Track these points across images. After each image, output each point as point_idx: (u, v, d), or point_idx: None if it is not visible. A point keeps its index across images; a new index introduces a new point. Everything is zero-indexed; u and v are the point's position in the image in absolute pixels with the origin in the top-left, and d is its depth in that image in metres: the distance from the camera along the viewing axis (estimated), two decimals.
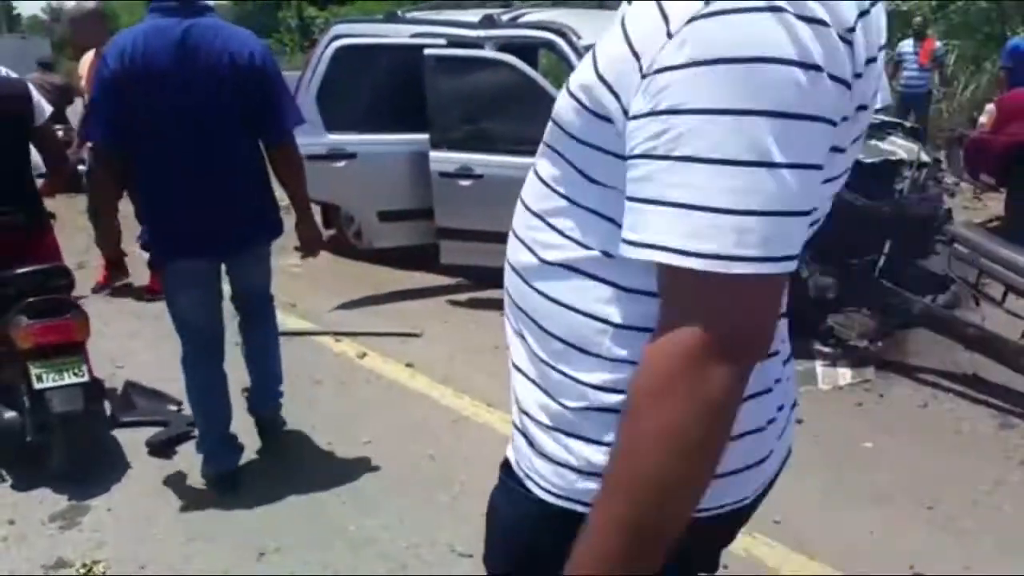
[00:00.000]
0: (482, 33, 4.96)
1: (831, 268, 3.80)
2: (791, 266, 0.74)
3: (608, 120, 0.81)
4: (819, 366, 3.79)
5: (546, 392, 0.95)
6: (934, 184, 4.30)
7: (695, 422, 0.74)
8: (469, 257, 4.93)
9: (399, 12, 5.89)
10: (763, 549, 2.53)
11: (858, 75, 0.76)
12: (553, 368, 0.93)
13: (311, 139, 5.26)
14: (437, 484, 2.98)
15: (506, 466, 1.05)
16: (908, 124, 4.55)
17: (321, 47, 5.69)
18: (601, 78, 0.82)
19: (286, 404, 3.61)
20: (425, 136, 4.83)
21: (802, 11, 0.70)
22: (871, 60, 0.79)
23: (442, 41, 4.97)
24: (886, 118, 4.56)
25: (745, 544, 2.55)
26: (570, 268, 0.90)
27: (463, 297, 5.05)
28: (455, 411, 3.54)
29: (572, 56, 4.59)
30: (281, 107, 2.76)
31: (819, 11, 0.71)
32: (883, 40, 0.82)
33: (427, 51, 4.75)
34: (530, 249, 0.94)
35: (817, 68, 0.71)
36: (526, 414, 0.98)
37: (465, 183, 4.72)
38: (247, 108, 2.66)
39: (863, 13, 0.76)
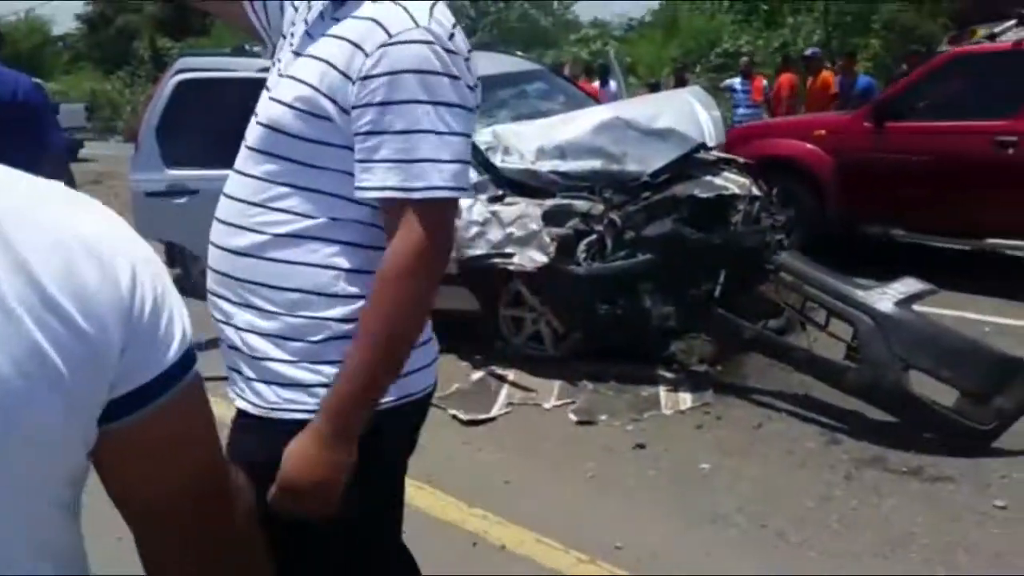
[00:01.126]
0: None
1: (671, 297, 3.96)
2: (466, 194, 1.29)
3: (328, 119, 1.22)
4: (662, 391, 3.93)
5: (292, 338, 1.26)
6: (766, 216, 4.58)
7: (422, 292, 1.21)
8: None
9: (247, 45, 5.75)
10: None
11: (474, 86, 1.28)
12: (292, 315, 1.25)
13: (150, 175, 5.05)
14: None
15: (242, 416, 1.33)
16: (741, 160, 4.83)
17: (164, 80, 5.48)
18: (318, 90, 1.22)
19: None
20: None
21: (444, 45, 1.21)
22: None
23: None
24: (721, 155, 4.83)
25: (588, 571, 2.59)
26: (302, 236, 1.25)
27: None
28: None
29: None
30: (42, 131, 2.97)
31: (451, 45, 1.22)
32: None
33: None
34: (256, 231, 1.27)
35: (457, 77, 1.21)
36: (271, 359, 1.27)
37: None
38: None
39: (470, 51, 1.27)
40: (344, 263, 1.26)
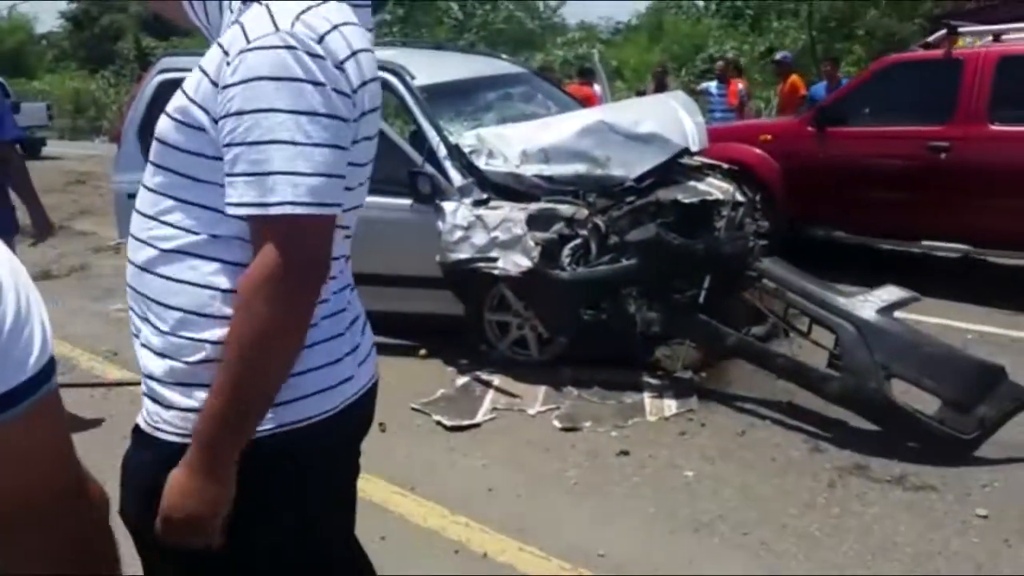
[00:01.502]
0: None
1: (655, 303, 3.95)
2: (336, 210, 1.15)
3: (202, 130, 1.16)
4: (647, 397, 3.92)
5: (172, 357, 1.20)
6: (750, 222, 4.59)
7: (277, 317, 1.11)
8: None
9: None
10: None
11: (355, 91, 1.18)
12: (175, 335, 1.20)
13: (133, 176, 4.96)
14: None
15: (137, 430, 1.28)
16: (725, 166, 4.84)
17: (146, 80, 5.43)
18: (192, 100, 1.17)
19: (104, 463, 3.37)
20: None
21: (309, 49, 1.12)
22: (369, 82, 1.21)
23: None
24: (705, 160, 4.84)
25: None
26: (184, 252, 1.19)
27: None
28: None
29: (407, 96, 4.59)
30: None
31: (318, 49, 1.13)
32: (373, 73, 1.24)
33: None
34: (150, 245, 1.22)
35: (322, 84, 1.12)
36: (155, 379, 1.22)
37: None
38: None
39: (354, 53, 1.17)
40: (223, 282, 1.19)
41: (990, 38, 5.77)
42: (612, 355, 4.19)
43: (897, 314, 3.65)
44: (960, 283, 5.83)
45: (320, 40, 1.13)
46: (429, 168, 4.30)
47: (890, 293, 3.59)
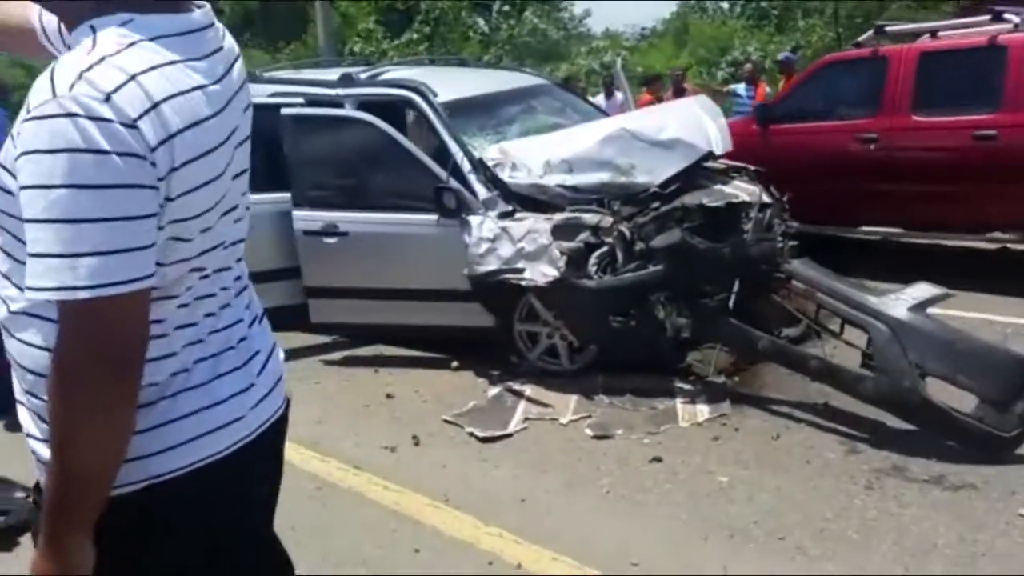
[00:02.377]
0: (341, 92, 4.96)
1: (685, 308, 3.94)
2: (140, 284, 1.04)
3: (13, 195, 1.07)
4: (679, 403, 3.91)
5: (39, 416, 1.17)
6: (779, 223, 4.56)
7: (77, 400, 1.04)
8: (340, 314, 4.86)
9: (256, 72, 5.82)
10: None
11: (154, 148, 1.04)
12: (35, 396, 1.17)
13: None
14: (297, 557, 2.87)
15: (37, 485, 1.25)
16: (752, 168, 4.81)
17: None
18: (3, 166, 1.10)
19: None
20: (286, 195, 4.77)
21: (89, 113, 1.00)
22: (180, 132, 1.07)
23: (300, 100, 4.94)
24: (730, 163, 4.82)
25: None
26: (28, 314, 1.15)
27: (337, 356, 4.96)
28: (319, 477, 3.44)
29: (430, 113, 4.66)
30: None
31: (101, 112, 1.00)
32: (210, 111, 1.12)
33: (284, 111, 4.72)
34: (4, 303, 1.18)
35: (104, 152, 1.00)
36: (28, 435, 1.21)
37: (330, 240, 4.67)
38: None
39: (155, 106, 1.04)
40: None
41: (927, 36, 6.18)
42: (643, 362, 4.19)
43: (933, 310, 3.60)
44: (999, 276, 5.72)
45: (107, 99, 1.01)
46: (454, 183, 4.35)
47: (922, 291, 3.54)
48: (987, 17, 5.96)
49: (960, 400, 3.39)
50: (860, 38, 6.77)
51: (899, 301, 3.47)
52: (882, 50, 6.17)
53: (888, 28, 6.52)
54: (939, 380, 3.40)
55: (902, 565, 2.63)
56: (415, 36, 16.94)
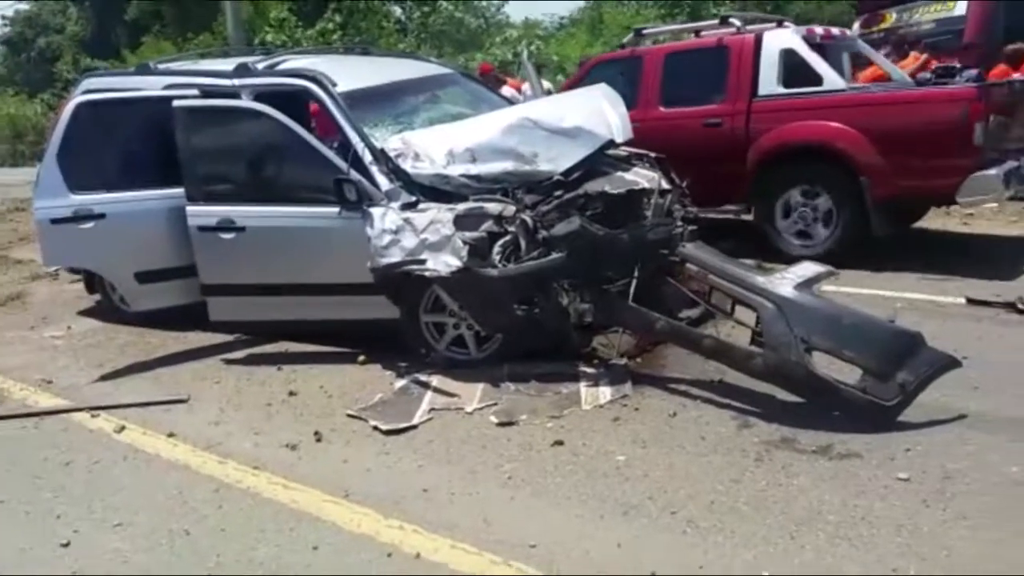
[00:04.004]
0: (237, 82, 4.84)
1: (587, 294, 3.99)
2: None
3: None
4: (583, 387, 3.96)
5: None
6: (679, 208, 4.65)
7: None
8: (240, 312, 4.76)
9: (151, 63, 5.63)
10: None
11: None
12: None
13: (55, 201, 4.92)
14: (191, 562, 2.81)
15: None
16: (652, 155, 4.89)
17: (67, 102, 5.36)
18: None
19: (31, 493, 3.34)
20: (181, 190, 4.63)
21: None
22: None
23: (195, 92, 4.80)
24: (631, 150, 4.89)
25: (500, 572, 2.60)
26: None
27: (239, 354, 4.86)
28: (216, 479, 3.36)
29: (328, 102, 4.58)
30: None
31: None
32: None
33: (176, 103, 4.57)
34: None
35: None
36: None
37: (227, 236, 4.55)
38: None
39: None
40: None
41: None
42: (549, 348, 4.23)
43: (827, 287, 3.73)
44: (892, 252, 5.99)
45: None
46: (355, 174, 4.29)
47: (807, 269, 3.67)
48: (716, 21, 7.09)
49: (846, 373, 3.53)
50: (624, 39, 7.74)
51: (785, 280, 3.59)
52: (639, 50, 7.19)
53: (644, 31, 7.66)
54: (825, 354, 3.53)
55: (788, 533, 2.73)
56: (329, 25, 16.62)
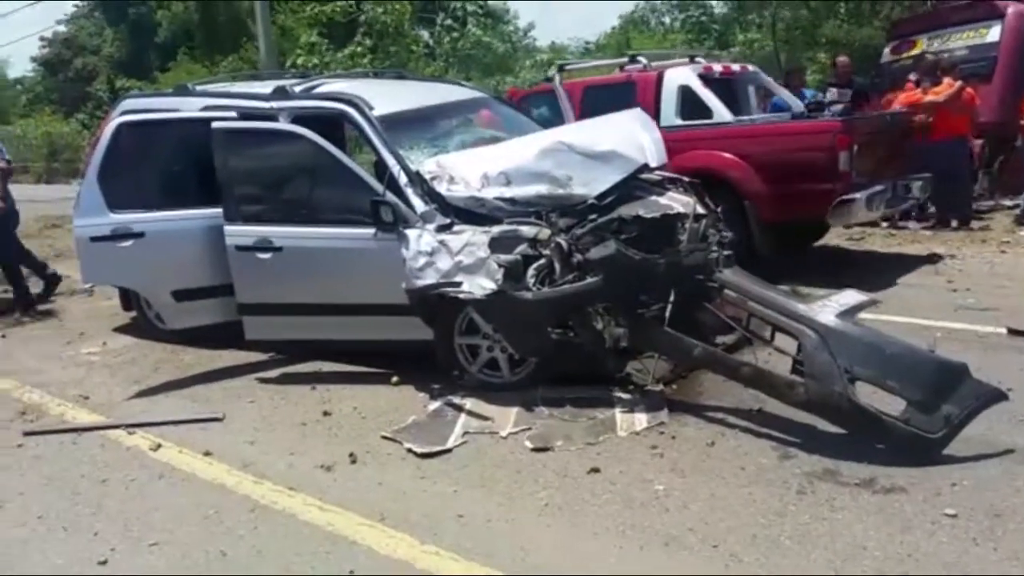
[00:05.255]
0: (275, 104, 4.90)
1: (622, 318, 3.96)
2: None
3: None
4: (618, 413, 3.92)
5: None
6: (714, 233, 4.61)
7: None
8: (276, 331, 4.78)
9: (188, 85, 5.72)
10: None
11: None
12: None
13: (94, 219, 4.99)
14: None
15: None
16: (686, 179, 4.87)
17: (106, 123, 5.46)
18: None
19: (69, 510, 3.33)
20: (219, 210, 4.67)
21: None
22: None
23: (233, 113, 4.86)
24: (665, 174, 4.87)
25: None
26: None
27: (274, 373, 4.88)
28: (252, 499, 3.35)
29: (365, 126, 4.62)
30: None
31: None
32: None
33: (214, 124, 4.63)
34: None
35: None
36: None
37: (264, 256, 4.59)
38: None
39: None
40: None
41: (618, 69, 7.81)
42: (583, 372, 4.20)
43: (862, 315, 3.68)
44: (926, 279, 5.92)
45: None
46: (391, 196, 4.31)
47: (849, 297, 3.62)
48: (626, 60, 7.80)
49: (889, 403, 3.46)
50: (549, 72, 8.22)
51: (827, 308, 3.54)
52: (566, 83, 7.48)
53: (567, 67, 8.20)
54: (868, 384, 3.47)
55: (832, 569, 2.66)
56: (358, 49, 16.82)
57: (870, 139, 6.50)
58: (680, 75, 7.13)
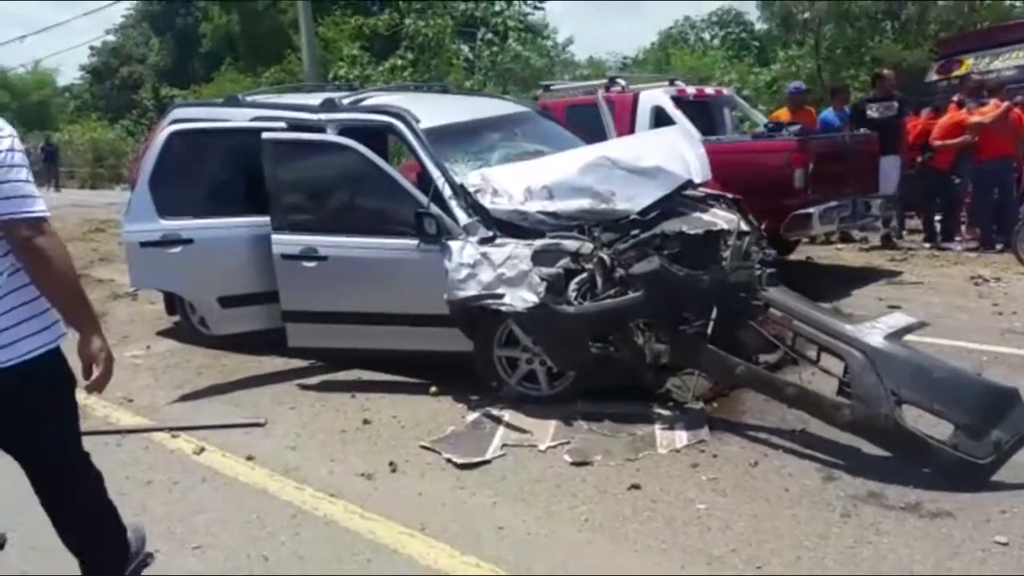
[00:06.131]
0: (323, 116, 4.98)
1: (664, 334, 3.95)
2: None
3: None
4: (658, 429, 3.90)
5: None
6: (756, 251, 4.59)
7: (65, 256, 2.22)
8: (318, 339, 4.83)
9: (240, 96, 5.83)
10: None
11: None
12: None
13: (144, 225, 5.10)
14: None
15: None
16: (730, 196, 4.86)
17: (157, 131, 5.58)
18: None
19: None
20: (266, 219, 4.75)
21: None
22: None
23: (282, 124, 4.95)
24: (709, 191, 4.86)
25: None
26: None
27: (314, 380, 4.93)
28: (294, 505, 3.39)
29: (411, 139, 4.67)
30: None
31: None
32: None
33: (264, 135, 4.72)
34: None
35: None
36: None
37: (309, 264, 4.65)
38: None
39: None
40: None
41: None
42: (622, 388, 4.18)
43: (909, 337, 3.63)
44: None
45: None
46: (435, 208, 4.36)
47: (897, 319, 3.57)
48: (605, 81, 8.14)
49: (936, 427, 3.41)
50: (537, 93, 8.85)
51: (875, 329, 3.50)
52: (548, 102, 8.06)
53: (552, 86, 8.76)
54: (915, 407, 3.42)
55: None
56: (399, 62, 17.02)
57: (827, 158, 6.83)
58: (653, 96, 7.57)
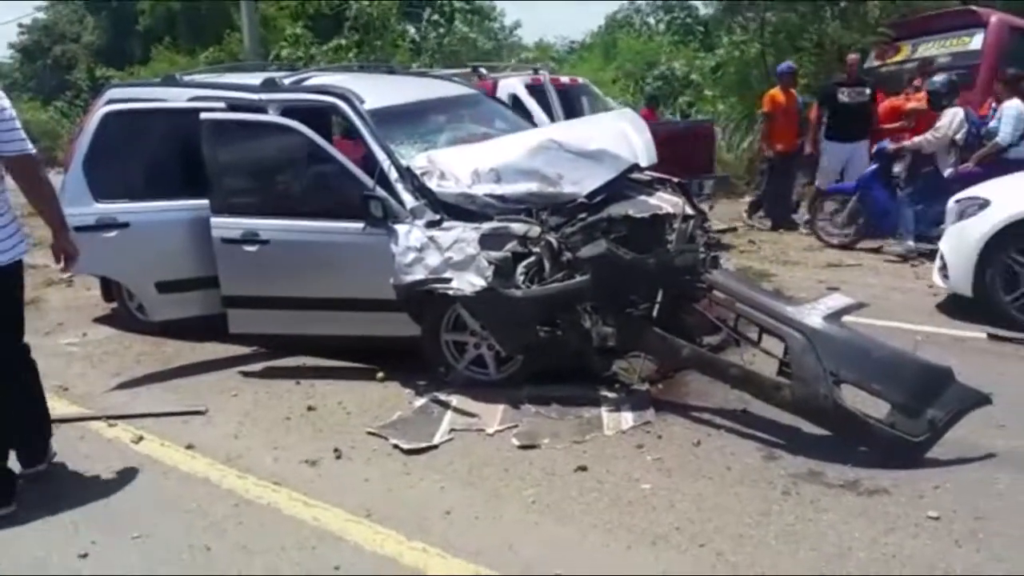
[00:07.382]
0: (264, 96, 4.85)
1: (610, 317, 3.97)
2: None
3: None
4: (604, 412, 3.93)
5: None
6: (702, 234, 4.64)
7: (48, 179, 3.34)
8: (260, 325, 4.74)
9: (177, 75, 5.65)
10: None
11: None
12: None
13: (79, 209, 4.91)
14: None
15: None
16: (675, 180, 4.90)
17: (92, 112, 5.38)
18: None
19: (49, 503, 3.28)
20: (205, 202, 4.63)
21: None
22: None
23: (221, 105, 4.81)
24: (654, 175, 4.89)
25: None
26: None
27: (257, 367, 4.83)
28: (236, 494, 3.32)
29: (356, 120, 4.59)
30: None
31: None
32: None
33: (203, 115, 4.58)
34: None
35: None
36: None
37: (250, 248, 4.54)
38: None
39: None
40: None
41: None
42: (571, 371, 4.20)
43: (847, 318, 3.71)
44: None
45: None
46: (381, 191, 4.29)
47: (836, 300, 3.65)
48: (468, 71, 8.58)
49: (873, 406, 3.50)
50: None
51: (814, 310, 3.57)
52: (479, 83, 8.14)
53: (479, 68, 9.01)
54: (853, 387, 3.50)
55: (818, 569, 2.68)
56: (344, 42, 16.71)
57: (662, 141, 6.96)
58: (510, 84, 8.14)
